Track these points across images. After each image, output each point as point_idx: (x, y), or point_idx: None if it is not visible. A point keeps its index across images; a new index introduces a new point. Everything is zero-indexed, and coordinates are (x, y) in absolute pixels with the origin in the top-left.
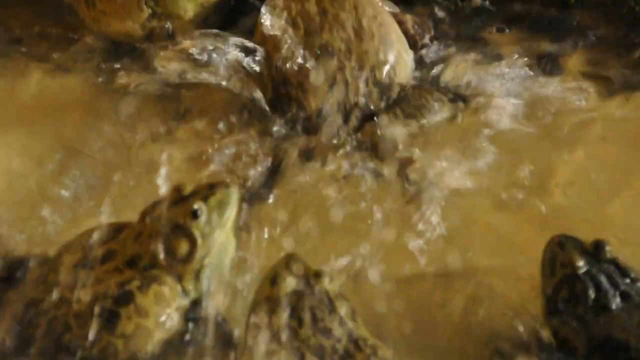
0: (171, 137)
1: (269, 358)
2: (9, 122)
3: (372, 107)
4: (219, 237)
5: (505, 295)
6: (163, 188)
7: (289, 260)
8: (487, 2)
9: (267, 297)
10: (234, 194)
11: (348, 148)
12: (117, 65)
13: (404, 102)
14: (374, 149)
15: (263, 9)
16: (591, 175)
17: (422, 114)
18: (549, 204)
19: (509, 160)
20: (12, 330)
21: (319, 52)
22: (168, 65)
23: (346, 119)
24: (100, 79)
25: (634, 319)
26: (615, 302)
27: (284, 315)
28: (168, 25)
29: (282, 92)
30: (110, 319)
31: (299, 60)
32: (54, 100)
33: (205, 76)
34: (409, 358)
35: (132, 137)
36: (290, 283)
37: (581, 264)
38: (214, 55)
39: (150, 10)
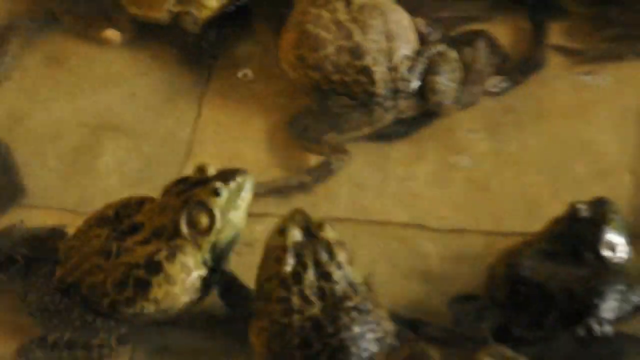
0: None
1: (278, 303)
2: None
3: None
4: (234, 217)
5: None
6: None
7: (294, 214)
8: None
9: (274, 247)
10: (251, 182)
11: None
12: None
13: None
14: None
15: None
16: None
17: None
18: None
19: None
20: (50, 296)
21: (353, 51)
22: None
23: (395, 98)
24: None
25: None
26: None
27: (290, 263)
28: (193, 12)
29: (327, 88)
30: (144, 287)
31: (339, 58)
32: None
33: None
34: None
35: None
36: (294, 234)
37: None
38: None
39: None
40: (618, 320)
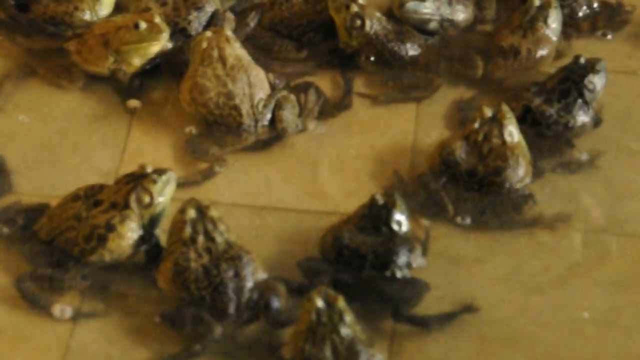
0: None
1: (180, 255)
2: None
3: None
4: (163, 199)
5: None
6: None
7: (190, 200)
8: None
9: (177, 221)
10: (175, 177)
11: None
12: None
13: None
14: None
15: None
16: None
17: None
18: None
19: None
20: (45, 245)
21: (227, 95)
22: None
23: (255, 126)
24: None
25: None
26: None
27: (188, 231)
28: (124, 68)
29: (210, 119)
30: (103, 240)
31: (218, 99)
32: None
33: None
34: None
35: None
36: (191, 212)
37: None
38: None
39: (113, 59)
40: (409, 267)
